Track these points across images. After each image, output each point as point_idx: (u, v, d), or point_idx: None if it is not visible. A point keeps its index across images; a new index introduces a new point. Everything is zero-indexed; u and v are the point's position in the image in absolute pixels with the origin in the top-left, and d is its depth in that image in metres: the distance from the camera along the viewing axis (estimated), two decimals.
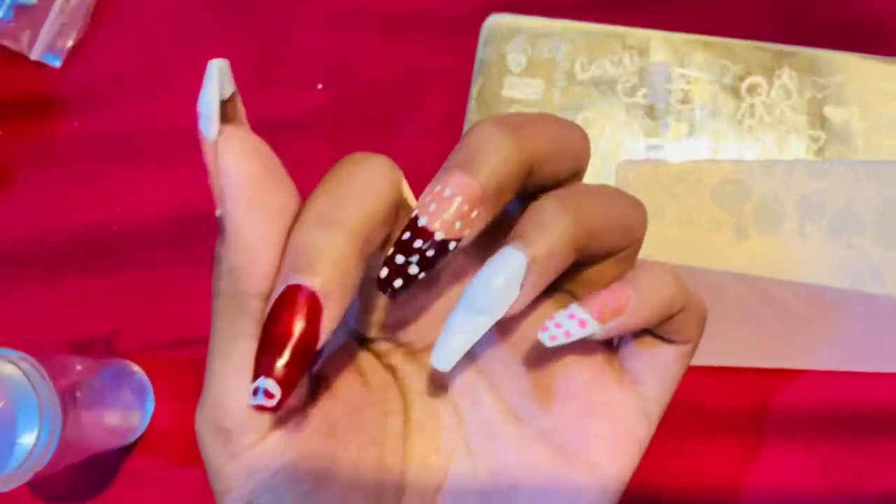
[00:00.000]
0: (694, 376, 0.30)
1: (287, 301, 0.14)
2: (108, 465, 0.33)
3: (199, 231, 0.34)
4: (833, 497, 0.29)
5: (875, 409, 0.29)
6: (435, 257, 0.14)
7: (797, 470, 0.30)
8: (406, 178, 0.35)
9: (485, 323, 0.15)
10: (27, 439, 0.25)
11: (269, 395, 0.14)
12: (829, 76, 0.31)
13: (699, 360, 0.30)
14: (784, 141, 0.31)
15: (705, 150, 0.31)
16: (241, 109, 0.16)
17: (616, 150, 0.32)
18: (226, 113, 0.15)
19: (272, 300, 0.14)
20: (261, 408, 0.14)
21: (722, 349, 0.30)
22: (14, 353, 0.26)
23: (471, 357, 0.17)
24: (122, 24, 0.35)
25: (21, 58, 0.35)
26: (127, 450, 0.33)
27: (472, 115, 0.33)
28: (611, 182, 0.32)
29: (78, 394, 0.28)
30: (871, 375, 0.29)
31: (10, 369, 0.26)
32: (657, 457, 0.30)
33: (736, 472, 0.30)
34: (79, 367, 0.28)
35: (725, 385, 0.30)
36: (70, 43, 0.35)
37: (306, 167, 0.35)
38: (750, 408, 0.30)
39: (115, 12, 0.35)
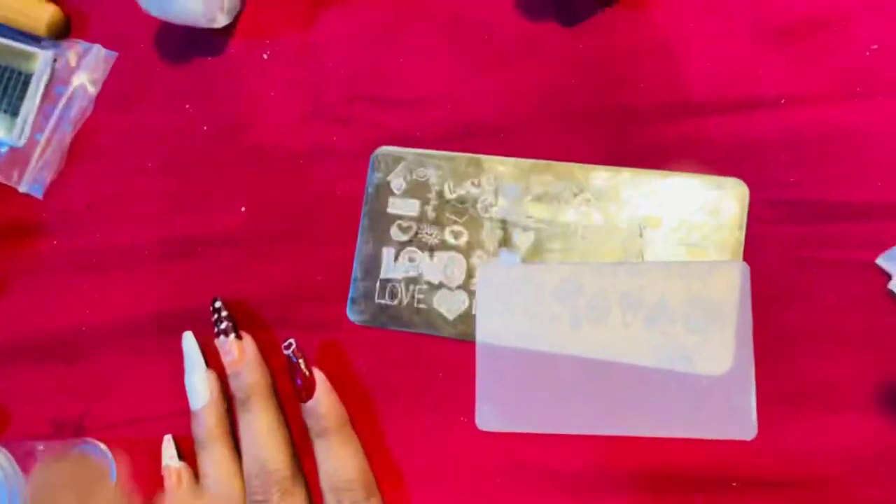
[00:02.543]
0: (542, 442, 0.37)
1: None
2: None
3: (149, 330, 0.42)
4: None
5: (689, 468, 0.36)
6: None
7: None
8: (317, 271, 0.41)
9: None
10: None
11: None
12: (649, 192, 0.38)
13: (546, 428, 0.37)
14: (612, 246, 0.38)
15: (548, 255, 0.38)
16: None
17: (478, 256, 0.39)
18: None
19: None
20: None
21: (562, 419, 0.37)
22: None
23: None
24: (90, 163, 0.44)
25: (11, 190, 0.44)
26: None
27: (364, 228, 0.40)
28: (476, 280, 0.39)
29: None
30: (685, 441, 0.36)
31: None
32: None
33: None
34: (40, 448, 0.36)
35: (566, 449, 0.37)
36: (50, 178, 0.44)
37: (234, 272, 0.44)
38: (586, 468, 0.37)
39: (84, 154, 0.44)
